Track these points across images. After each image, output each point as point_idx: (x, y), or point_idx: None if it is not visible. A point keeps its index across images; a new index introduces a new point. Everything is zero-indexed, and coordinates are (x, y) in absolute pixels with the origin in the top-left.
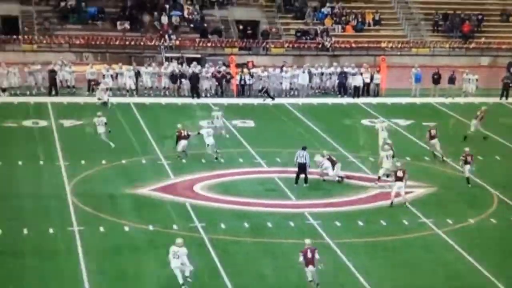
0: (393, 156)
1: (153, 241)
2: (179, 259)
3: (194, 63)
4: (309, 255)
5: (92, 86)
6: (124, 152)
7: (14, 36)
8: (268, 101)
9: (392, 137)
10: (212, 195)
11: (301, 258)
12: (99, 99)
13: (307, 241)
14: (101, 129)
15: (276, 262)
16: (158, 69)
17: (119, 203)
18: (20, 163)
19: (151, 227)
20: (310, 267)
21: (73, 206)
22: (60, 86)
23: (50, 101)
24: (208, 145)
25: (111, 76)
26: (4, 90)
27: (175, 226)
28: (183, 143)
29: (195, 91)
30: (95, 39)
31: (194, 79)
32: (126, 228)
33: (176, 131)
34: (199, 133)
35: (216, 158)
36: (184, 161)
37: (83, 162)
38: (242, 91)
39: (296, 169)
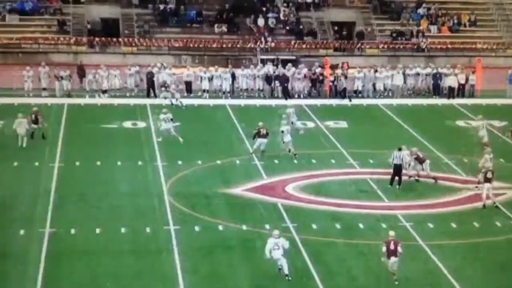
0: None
1: (246, 241)
2: (279, 250)
3: (289, 64)
4: (392, 246)
5: (166, 87)
6: (219, 153)
7: (115, 39)
8: (346, 101)
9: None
10: (304, 196)
11: (384, 249)
12: (165, 97)
13: (391, 233)
14: (166, 126)
15: (368, 264)
16: (256, 71)
17: (214, 202)
18: (119, 163)
19: (244, 227)
20: (392, 258)
21: (170, 206)
22: (160, 87)
23: (149, 103)
24: (284, 142)
25: (208, 78)
26: (104, 91)
27: (267, 226)
28: (260, 141)
29: (286, 92)
30: (193, 42)
31: (284, 80)
32: (220, 228)
33: (256, 128)
34: (283, 131)
35: (295, 155)
36: (257, 161)
37: (180, 162)
38: (335, 92)
39: (390, 170)
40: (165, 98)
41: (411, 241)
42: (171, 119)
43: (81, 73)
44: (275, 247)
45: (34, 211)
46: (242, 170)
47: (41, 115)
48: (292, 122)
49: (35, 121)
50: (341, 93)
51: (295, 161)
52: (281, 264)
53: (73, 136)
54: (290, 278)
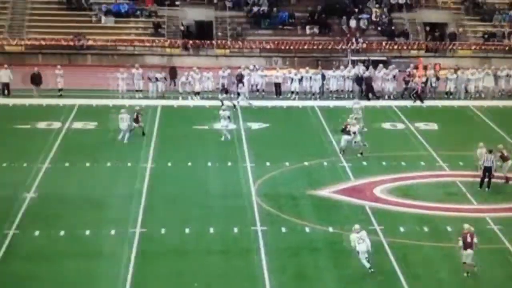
0: None
1: (332, 243)
2: (364, 243)
3: (380, 65)
4: (468, 239)
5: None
6: (307, 154)
7: (208, 41)
8: (418, 103)
9: None
10: (392, 198)
11: (460, 243)
12: (221, 100)
13: (466, 225)
14: (224, 122)
15: (455, 267)
16: (346, 72)
17: (301, 204)
18: (209, 164)
19: (330, 229)
20: (469, 250)
21: (257, 206)
22: (250, 90)
23: (240, 105)
24: (355, 142)
25: (298, 80)
26: (197, 93)
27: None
28: (346, 138)
29: (370, 92)
30: (284, 43)
31: (369, 81)
32: (307, 229)
33: (343, 124)
34: (354, 133)
35: (361, 153)
36: (345, 163)
37: (268, 163)
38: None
39: (480, 172)
40: (222, 100)
41: (499, 244)
42: (228, 117)
43: (173, 75)
44: (360, 241)
45: (126, 212)
46: (329, 171)
47: (142, 115)
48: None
49: (136, 120)
50: (413, 95)
51: (384, 163)
52: (367, 256)
53: (166, 137)
54: (373, 270)
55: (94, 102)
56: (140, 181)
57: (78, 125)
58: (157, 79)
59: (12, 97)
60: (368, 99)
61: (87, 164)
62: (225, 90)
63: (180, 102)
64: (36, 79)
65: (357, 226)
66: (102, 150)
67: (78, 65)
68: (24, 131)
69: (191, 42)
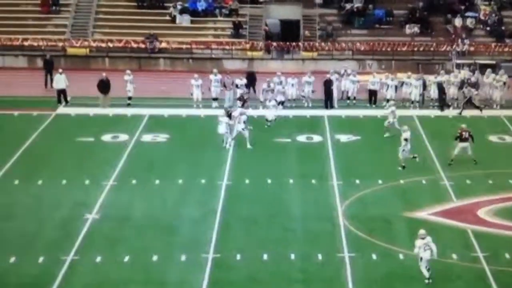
0: None
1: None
2: (429, 250)
3: (489, 70)
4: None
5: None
6: (403, 171)
7: (294, 43)
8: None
9: None
10: (498, 221)
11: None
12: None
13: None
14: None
15: None
16: (448, 76)
17: (394, 227)
18: (291, 181)
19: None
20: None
21: (345, 230)
22: (340, 98)
23: (327, 114)
24: (403, 150)
25: (395, 86)
26: (281, 103)
27: (454, 256)
28: (462, 145)
29: (442, 102)
30: (380, 44)
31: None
32: (401, 256)
33: (458, 131)
34: (406, 139)
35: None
36: (446, 181)
37: (357, 181)
38: None
39: None
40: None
41: None
42: (244, 122)
43: (252, 81)
44: (426, 247)
45: (198, 235)
46: (428, 191)
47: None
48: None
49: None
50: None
51: (490, 181)
52: (427, 266)
53: (243, 151)
54: (430, 281)
55: (165, 112)
56: (215, 201)
57: (147, 137)
58: (237, 86)
59: (74, 106)
60: (442, 109)
61: (157, 182)
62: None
63: (260, 111)
64: (104, 86)
65: (422, 232)
66: (174, 166)
67: (149, 70)
68: (87, 145)
69: (274, 44)
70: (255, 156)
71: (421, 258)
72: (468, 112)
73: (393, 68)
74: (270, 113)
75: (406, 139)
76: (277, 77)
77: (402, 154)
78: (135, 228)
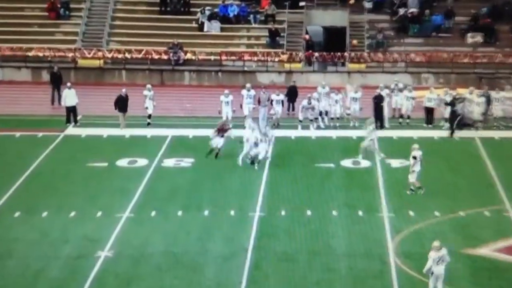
0: None
1: None
2: (442, 265)
3: None
4: None
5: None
6: (463, 201)
7: (339, 53)
8: None
9: None
10: None
11: None
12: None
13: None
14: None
15: None
16: None
17: (453, 266)
18: (334, 213)
19: None
20: None
21: (396, 270)
22: (392, 116)
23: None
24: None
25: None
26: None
27: None
28: None
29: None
30: (438, 56)
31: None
32: None
33: None
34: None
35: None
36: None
37: (411, 213)
38: None
39: None
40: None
41: None
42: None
43: (292, 97)
44: (439, 262)
45: (225, 275)
46: (492, 224)
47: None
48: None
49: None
50: None
51: None
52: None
53: (279, 177)
54: None
55: (190, 132)
56: (245, 235)
57: (169, 162)
58: (271, 103)
59: (85, 126)
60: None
61: (179, 213)
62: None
63: (298, 132)
64: (122, 104)
65: (436, 244)
66: (199, 195)
67: (172, 85)
68: (100, 171)
69: (316, 54)
70: (293, 184)
71: (432, 273)
72: None
73: (452, 82)
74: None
75: (415, 157)
76: (320, 88)
77: (411, 175)
78: (153, 267)
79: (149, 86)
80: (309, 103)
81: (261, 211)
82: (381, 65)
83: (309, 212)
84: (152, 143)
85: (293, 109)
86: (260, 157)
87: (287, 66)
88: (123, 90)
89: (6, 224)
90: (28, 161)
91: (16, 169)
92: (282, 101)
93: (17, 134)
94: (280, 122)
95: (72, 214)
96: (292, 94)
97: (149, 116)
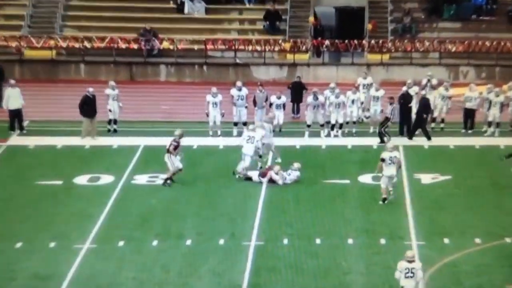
0: None
1: None
2: (413, 279)
3: None
4: None
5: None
6: (510, 225)
7: (356, 41)
8: None
9: None
10: None
11: None
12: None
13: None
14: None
15: None
16: None
17: None
18: (350, 241)
19: None
20: None
21: None
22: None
23: (403, 144)
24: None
25: (501, 104)
26: (336, 126)
27: None
28: None
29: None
30: (479, 44)
31: None
32: None
33: None
34: None
35: None
36: None
37: (446, 240)
38: None
39: None
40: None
41: None
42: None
43: (297, 96)
44: (408, 274)
45: None
46: None
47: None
48: None
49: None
50: None
51: None
52: None
53: (281, 196)
54: None
55: (167, 141)
56: (238, 270)
57: (141, 179)
58: (270, 105)
59: (33, 134)
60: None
61: (154, 243)
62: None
63: (306, 140)
64: (89, 106)
65: (410, 253)
66: (179, 219)
67: (145, 82)
68: (52, 190)
69: (327, 42)
70: (298, 205)
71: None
72: None
73: (497, 77)
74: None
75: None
76: (330, 90)
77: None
78: None
79: (112, 83)
80: (316, 98)
81: (258, 239)
82: (408, 55)
83: (318, 241)
84: (119, 155)
85: (298, 112)
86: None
87: (290, 57)
88: (90, 89)
89: None
90: None
91: None
92: (284, 105)
93: None
94: (283, 128)
95: (19, 245)
96: (296, 93)
97: (115, 122)
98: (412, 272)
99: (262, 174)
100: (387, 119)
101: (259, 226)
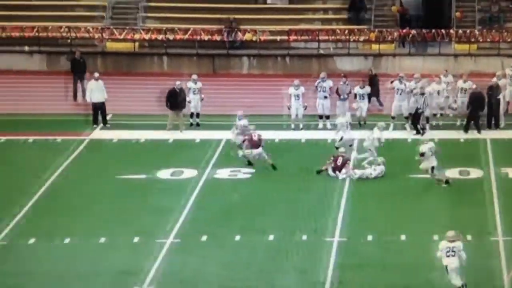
0: None
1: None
2: (455, 257)
3: None
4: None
5: None
6: None
7: (443, 30)
8: None
9: None
10: None
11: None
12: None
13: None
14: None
15: None
16: None
17: None
18: (435, 237)
19: None
20: None
21: None
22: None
23: (490, 137)
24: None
25: None
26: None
27: None
28: None
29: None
30: None
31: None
32: None
33: None
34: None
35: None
36: None
37: None
38: None
39: None
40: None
41: None
42: None
43: (375, 89)
44: (450, 253)
45: None
46: None
47: None
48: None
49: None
50: None
51: None
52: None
53: (365, 191)
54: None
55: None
56: (321, 266)
57: (223, 173)
58: (355, 96)
59: (116, 128)
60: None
61: (236, 238)
62: None
63: (390, 134)
64: (175, 99)
65: (451, 233)
66: (261, 215)
67: (227, 75)
68: (135, 184)
69: (413, 32)
70: (382, 201)
71: (446, 268)
72: None
73: None
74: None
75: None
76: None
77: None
78: None
79: (194, 76)
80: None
81: (342, 235)
82: (496, 46)
83: (403, 237)
84: (201, 149)
85: (381, 104)
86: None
87: (375, 47)
88: (177, 82)
89: (17, 254)
90: (44, 174)
91: (29, 183)
92: (369, 95)
93: (30, 138)
94: (367, 121)
95: (102, 240)
96: (373, 85)
97: (197, 115)
98: (453, 251)
99: (337, 168)
100: (419, 112)
101: (342, 222)
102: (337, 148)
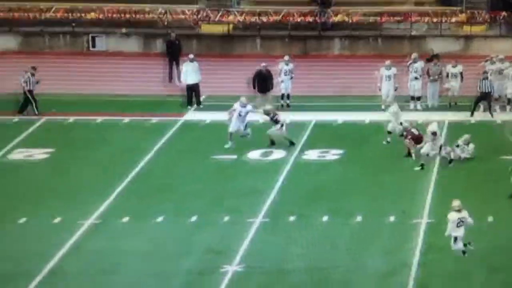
0: None
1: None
2: (463, 226)
3: None
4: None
5: None
6: None
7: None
8: None
9: None
10: None
11: None
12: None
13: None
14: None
15: None
16: None
17: None
18: None
19: None
20: None
21: None
22: None
23: None
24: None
25: None
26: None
27: None
28: None
29: None
30: None
31: None
32: None
33: None
34: None
35: None
36: None
37: None
38: None
39: None
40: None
41: None
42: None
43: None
44: (459, 224)
45: None
46: None
47: None
48: None
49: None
50: None
51: None
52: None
53: (454, 173)
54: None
55: (339, 116)
56: (409, 248)
57: (312, 154)
58: (447, 75)
59: (209, 110)
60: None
61: (324, 219)
62: None
63: (479, 115)
64: (263, 81)
65: (455, 203)
66: (349, 196)
67: (318, 56)
68: (227, 165)
69: (504, 13)
70: (471, 182)
71: (456, 238)
72: None
73: None
74: None
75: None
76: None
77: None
78: (294, 285)
79: (286, 57)
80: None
81: (430, 217)
82: None
83: (490, 219)
84: (291, 130)
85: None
86: None
87: (466, 29)
88: (263, 64)
89: (111, 232)
90: (138, 154)
91: (124, 163)
92: (461, 74)
93: (125, 119)
94: (458, 102)
95: (193, 219)
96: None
97: (287, 96)
98: (462, 221)
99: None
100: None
101: (430, 204)
102: (401, 124)
